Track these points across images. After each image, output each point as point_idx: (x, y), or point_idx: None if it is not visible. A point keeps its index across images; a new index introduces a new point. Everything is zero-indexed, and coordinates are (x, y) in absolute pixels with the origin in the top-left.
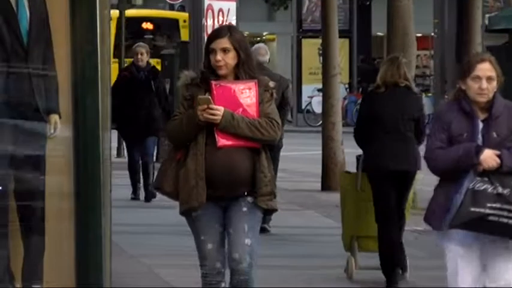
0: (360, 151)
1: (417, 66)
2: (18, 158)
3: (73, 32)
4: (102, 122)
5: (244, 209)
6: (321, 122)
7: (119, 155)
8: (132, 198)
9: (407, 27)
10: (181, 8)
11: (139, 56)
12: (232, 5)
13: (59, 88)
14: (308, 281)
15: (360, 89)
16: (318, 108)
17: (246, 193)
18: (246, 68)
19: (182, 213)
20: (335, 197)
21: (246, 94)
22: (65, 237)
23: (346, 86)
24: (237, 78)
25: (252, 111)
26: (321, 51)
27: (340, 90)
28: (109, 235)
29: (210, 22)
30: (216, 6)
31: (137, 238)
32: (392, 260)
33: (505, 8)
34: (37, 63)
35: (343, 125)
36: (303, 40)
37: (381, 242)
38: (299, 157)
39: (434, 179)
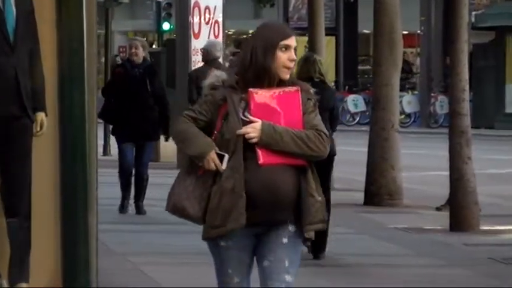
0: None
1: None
2: (4, 155)
3: (59, 29)
4: (88, 119)
5: (285, 240)
6: None
7: (105, 152)
8: (120, 212)
9: (393, 25)
10: (168, 6)
11: (133, 50)
12: (219, 2)
13: (45, 85)
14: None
15: (346, 87)
16: None
17: (288, 220)
18: (291, 73)
19: (208, 238)
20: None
21: (289, 103)
22: (52, 236)
23: (333, 83)
24: (278, 84)
25: (296, 122)
26: (307, 49)
27: None
28: (95, 233)
29: (196, 19)
30: (203, 3)
31: (124, 236)
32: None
33: (492, 6)
34: (23, 60)
35: None
36: None
37: None
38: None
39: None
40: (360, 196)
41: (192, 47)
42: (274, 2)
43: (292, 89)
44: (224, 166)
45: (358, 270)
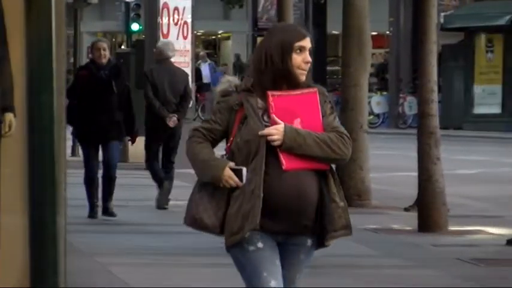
0: None
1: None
2: None
3: (28, 29)
4: (57, 120)
5: (302, 256)
6: None
7: (73, 153)
8: (90, 217)
9: (362, 26)
10: (137, 7)
11: (101, 52)
12: (188, 3)
13: (14, 86)
14: None
15: None
16: None
17: (307, 230)
18: (308, 75)
19: (232, 246)
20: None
21: (307, 105)
22: (20, 236)
23: None
24: (294, 86)
25: (316, 125)
26: None
27: None
28: (64, 234)
29: (165, 20)
30: (172, 4)
31: (92, 237)
32: None
33: (461, 7)
34: None
35: None
36: (258, 38)
37: None
38: None
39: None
40: None
41: None
42: (243, 3)
43: (310, 90)
44: (244, 180)
45: (327, 271)
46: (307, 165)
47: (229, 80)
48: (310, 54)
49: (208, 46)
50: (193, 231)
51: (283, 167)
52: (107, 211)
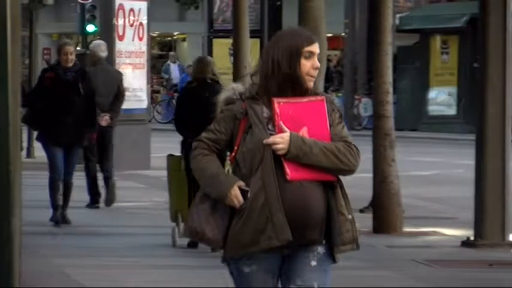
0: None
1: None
2: None
3: None
4: (12, 121)
5: (313, 262)
6: None
7: (28, 155)
8: (51, 220)
9: (318, 28)
10: (92, 8)
11: (68, 57)
12: (144, 5)
13: None
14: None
15: None
16: None
17: (316, 241)
18: (316, 82)
19: (231, 258)
20: None
21: (314, 114)
22: None
23: None
24: (301, 93)
25: (323, 134)
26: (232, 51)
27: None
28: (19, 235)
29: (121, 22)
30: (127, 5)
31: (48, 239)
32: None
33: (416, 9)
34: None
35: None
36: (214, 40)
37: None
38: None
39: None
40: None
41: (117, 49)
42: (199, 5)
43: (318, 98)
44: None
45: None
46: (314, 176)
47: (234, 87)
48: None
49: (163, 47)
50: (147, 232)
51: (288, 177)
52: (63, 218)
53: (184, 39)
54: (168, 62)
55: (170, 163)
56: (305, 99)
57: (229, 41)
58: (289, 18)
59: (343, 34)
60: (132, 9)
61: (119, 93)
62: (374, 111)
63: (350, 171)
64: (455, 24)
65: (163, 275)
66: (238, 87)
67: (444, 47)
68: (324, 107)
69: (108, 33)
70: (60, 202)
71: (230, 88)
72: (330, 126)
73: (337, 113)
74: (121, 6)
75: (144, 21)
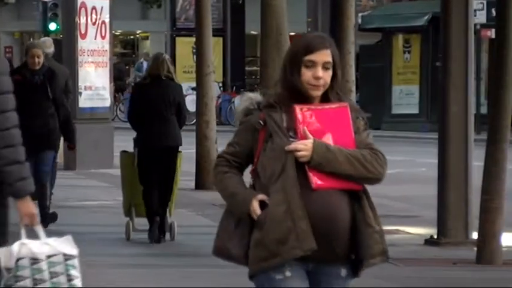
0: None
1: None
2: None
3: None
4: None
5: (337, 284)
6: (194, 120)
7: None
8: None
9: (280, 26)
10: (54, 6)
11: (35, 60)
12: (106, 3)
13: None
14: (185, 280)
15: (234, 88)
16: (191, 106)
17: (339, 258)
18: (338, 89)
19: (257, 274)
20: (209, 195)
21: (338, 120)
22: None
23: (220, 84)
24: (324, 100)
25: (347, 141)
26: (194, 50)
27: (214, 89)
28: None
29: (83, 20)
30: (89, 4)
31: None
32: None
33: (378, 7)
34: None
35: (217, 124)
36: (176, 38)
37: (146, 206)
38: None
39: None
40: None
41: (79, 48)
42: (161, 3)
43: (341, 105)
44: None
45: (246, 271)
46: (339, 185)
47: (251, 97)
48: (328, 68)
49: (126, 46)
50: (96, 231)
51: (313, 186)
52: (45, 219)
53: (147, 38)
54: (141, 60)
55: (123, 159)
56: (328, 106)
57: (192, 39)
58: (252, 16)
59: (305, 33)
60: (94, 8)
61: (67, 90)
62: None
63: (377, 179)
64: (417, 23)
65: (116, 274)
66: (256, 96)
67: (406, 46)
68: (347, 114)
69: (70, 31)
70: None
71: (247, 98)
72: (355, 133)
73: (361, 120)
74: (83, 5)
75: (107, 20)
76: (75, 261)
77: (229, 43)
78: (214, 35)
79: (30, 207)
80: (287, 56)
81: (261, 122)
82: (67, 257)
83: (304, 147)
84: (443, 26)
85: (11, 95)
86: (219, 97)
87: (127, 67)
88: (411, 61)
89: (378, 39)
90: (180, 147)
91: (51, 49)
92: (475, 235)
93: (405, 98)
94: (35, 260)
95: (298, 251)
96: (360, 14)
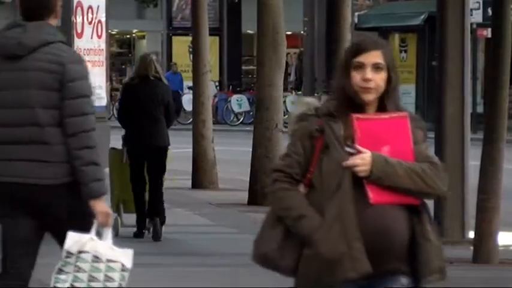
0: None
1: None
2: None
3: None
4: None
5: None
6: (191, 119)
7: None
8: None
9: (277, 26)
10: None
11: None
12: (102, 2)
13: None
14: (182, 279)
15: (230, 87)
16: (188, 105)
17: (398, 271)
18: (395, 96)
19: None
20: (205, 194)
21: (397, 131)
22: None
23: (217, 83)
24: (380, 108)
25: (406, 153)
26: (191, 49)
27: (211, 88)
28: None
29: (79, 19)
30: (86, 3)
31: None
32: (147, 214)
33: (374, 7)
34: None
35: (214, 123)
36: (173, 38)
37: (135, 201)
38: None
39: None
40: (244, 196)
41: (75, 47)
42: (158, 2)
43: (400, 114)
44: None
45: (243, 270)
46: (397, 199)
47: (308, 102)
48: (379, 71)
49: (123, 45)
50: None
51: (371, 201)
52: None
53: (143, 37)
54: None
55: (112, 156)
56: (386, 116)
57: (189, 38)
58: (248, 15)
59: (302, 32)
60: (90, 7)
61: None
62: None
63: (435, 194)
64: (414, 22)
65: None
66: (313, 101)
67: (402, 45)
68: (407, 124)
69: (66, 30)
70: None
71: (304, 103)
72: (414, 144)
73: (421, 131)
74: (79, 4)
75: (103, 19)
76: (127, 275)
77: (226, 42)
78: (210, 34)
79: (105, 207)
80: (339, 60)
81: (318, 129)
82: (123, 268)
83: (362, 162)
84: (439, 26)
85: (90, 98)
86: (215, 96)
87: (123, 66)
88: (407, 60)
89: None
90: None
91: None
92: (471, 234)
93: (401, 97)
94: (96, 258)
95: (352, 274)
96: (356, 14)
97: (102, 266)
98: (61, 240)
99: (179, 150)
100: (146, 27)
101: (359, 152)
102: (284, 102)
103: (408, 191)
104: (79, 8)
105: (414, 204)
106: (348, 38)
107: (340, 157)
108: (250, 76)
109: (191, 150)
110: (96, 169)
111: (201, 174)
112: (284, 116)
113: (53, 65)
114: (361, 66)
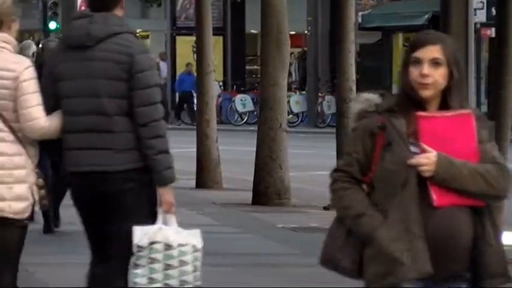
0: None
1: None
2: None
3: None
4: None
5: None
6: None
7: None
8: None
9: (281, 25)
10: (54, 5)
11: None
12: None
13: None
14: None
15: (234, 86)
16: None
17: (459, 274)
18: (458, 93)
19: None
20: (209, 194)
21: (461, 130)
22: None
23: (221, 83)
24: (443, 105)
25: (470, 153)
26: (195, 49)
27: (215, 88)
28: None
29: None
30: None
31: None
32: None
33: (378, 6)
34: None
35: (218, 123)
36: (177, 37)
37: None
38: (173, 154)
39: None
40: (248, 195)
41: None
42: (161, 2)
43: (465, 112)
44: None
45: (246, 270)
46: (462, 201)
47: (368, 98)
48: (438, 67)
49: None
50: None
51: (435, 203)
52: None
53: (147, 37)
54: (158, 59)
55: None
56: (450, 113)
57: (193, 38)
58: (252, 15)
59: (305, 32)
60: None
61: None
62: (337, 109)
63: (500, 197)
64: (417, 21)
65: None
66: (374, 98)
67: (406, 45)
68: (471, 122)
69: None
70: None
71: (364, 100)
72: (479, 143)
73: (486, 130)
74: (83, 4)
75: None
76: (200, 254)
77: (230, 42)
78: (214, 34)
79: (171, 195)
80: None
81: (380, 126)
82: (195, 249)
83: (427, 161)
84: (443, 25)
85: (158, 88)
86: (219, 96)
87: None
88: None
89: (378, 38)
90: None
91: (27, 51)
92: None
93: None
94: (168, 246)
95: (413, 273)
96: (360, 13)
97: (175, 252)
98: (112, 230)
99: (183, 150)
100: (150, 26)
101: (423, 151)
102: (288, 102)
103: (472, 193)
104: (83, 8)
105: (479, 206)
106: (351, 37)
107: (405, 155)
108: (254, 76)
109: (195, 149)
110: (167, 157)
111: (205, 174)
112: (288, 115)
113: (121, 56)
114: (418, 62)
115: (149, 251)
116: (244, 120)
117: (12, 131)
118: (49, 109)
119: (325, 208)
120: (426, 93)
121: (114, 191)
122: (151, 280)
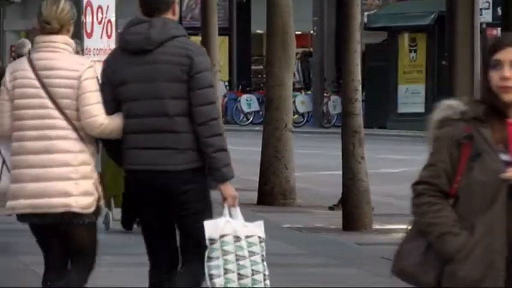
0: None
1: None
2: None
3: None
4: None
5: None
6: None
7: None
8: None
9: (286, 25)
10: None
11: None
12: (111, 2)
13: None
14: None
15: (240, 86)
16: None
17: None
18: None
19: None
20: (213, 194)
21: None
22: None
23: (226, 83)
24: None
25: None
26: None
27: (220, 88)
28: None
29: (89, 19)
30: (95, 2)
31: (14, 237)
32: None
33: (384, 6)
34: None
35: (223, 123)
36: None
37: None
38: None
39: None
40: (253, 195)
41: (85, 47)
42: None
43: None
44: None
45: None
46: None
47: (453, 105)
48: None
49: None
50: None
51: None
52: None
53: None
54: None
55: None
56: None
57: (198, 38)
58: (258, 15)
59: (311, 32)
60: (100, 7)
61: None
62: (343, 109)
63: None
64: (423, 22)
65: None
66: (459, 105)
67: (412, 45)
68: None
69: (76, 30)
70: None
71: (447, 106)
72: None
73: None
74: (89, 4)
75: (112, 19)
76: (265, 245)
77: (235, 42)
78: (220, 34)
79: (233, 190)
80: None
81: (466, 136)
82: (261, 240)
83: None
84: (449, 25)
85: (213, 88)
86: (225, 96)
87: None
88: (417, 60)
89: (384, 38)
90: None
91: (23, 50)
92: None
93: (411, 97)
94: (237, 238)
95: (487, 283)
96: (366, 13)
97: (243, 243)
98: (182, 226)
99: None
100: None
101: None
102: (294, 102)
103: None
104: (88, 8)
105: None
106: (357, 37)
107: (496, 165)
108: (259, 76)
109: None
110: (225, 155)
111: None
112: (294, 116)
113: (181, 58)
114: (498, 64)
115: (221, 244)
116: (250, 120)
117: (75, 129)
118: (110, 114)
119: (331, 208)
120: (510, 97)
121: (177, 190)
122: (226, 271)
